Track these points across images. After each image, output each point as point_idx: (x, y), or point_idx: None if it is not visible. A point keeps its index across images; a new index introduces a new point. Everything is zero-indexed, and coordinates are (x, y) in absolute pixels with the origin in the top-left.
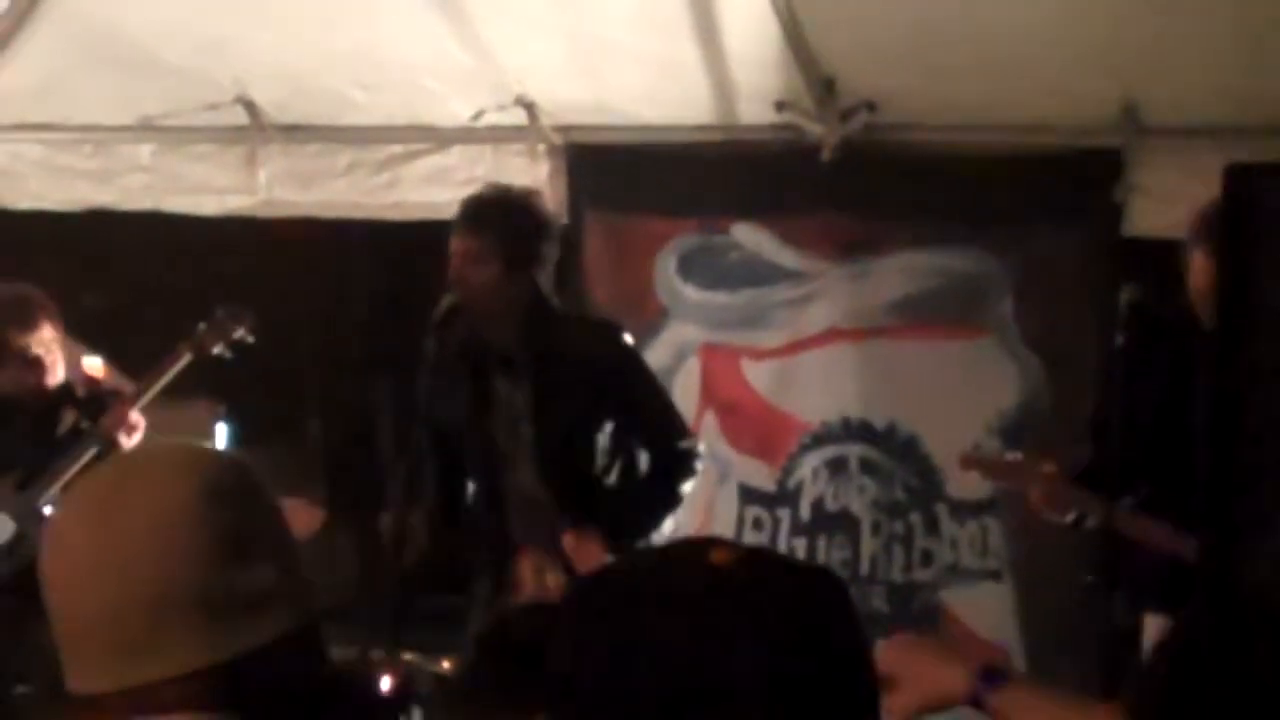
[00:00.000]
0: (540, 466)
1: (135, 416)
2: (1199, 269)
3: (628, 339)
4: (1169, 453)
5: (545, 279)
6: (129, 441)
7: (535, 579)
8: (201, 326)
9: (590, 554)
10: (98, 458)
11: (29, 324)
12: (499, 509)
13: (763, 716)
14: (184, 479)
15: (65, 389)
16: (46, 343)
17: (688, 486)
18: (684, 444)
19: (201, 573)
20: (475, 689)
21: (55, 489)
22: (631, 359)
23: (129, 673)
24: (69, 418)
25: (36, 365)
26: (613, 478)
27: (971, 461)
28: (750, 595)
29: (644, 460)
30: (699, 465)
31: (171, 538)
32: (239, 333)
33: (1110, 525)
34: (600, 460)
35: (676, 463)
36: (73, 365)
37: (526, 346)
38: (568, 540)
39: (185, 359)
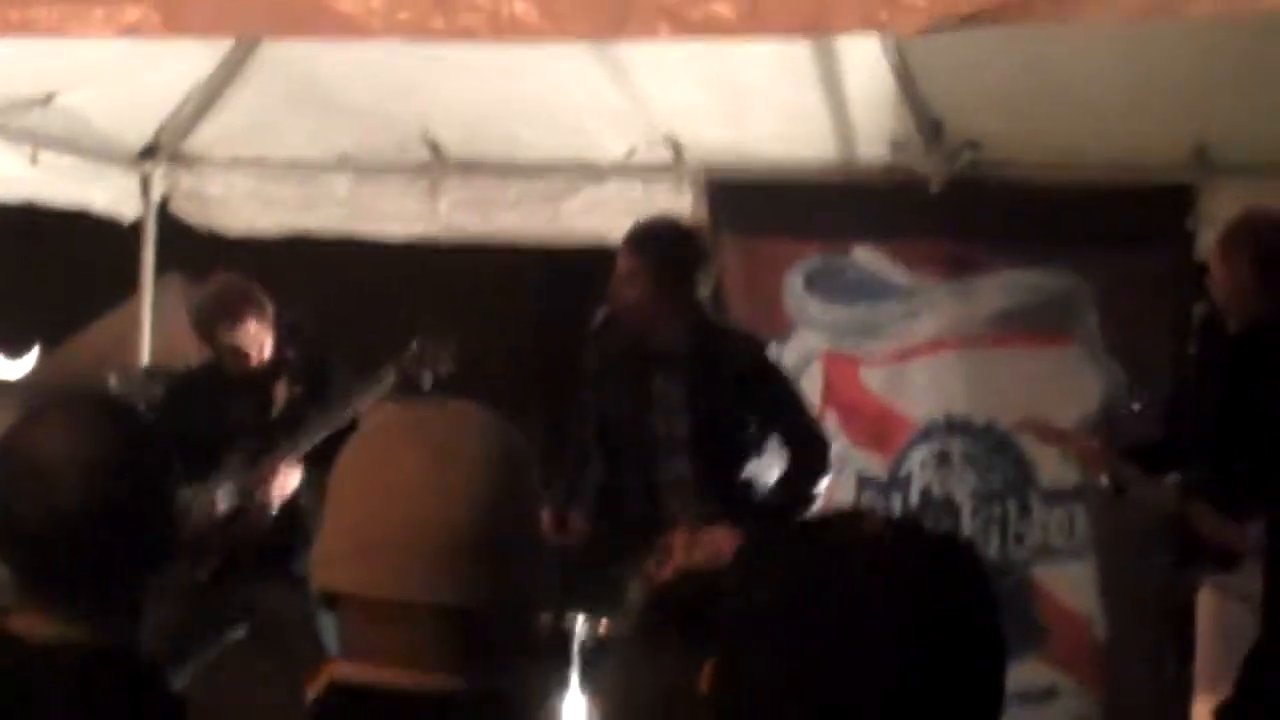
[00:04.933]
0: (692, 456)
1: (285, 473)
2: (1214, 273)
3: (771, 351)
4: (1220, 445)
5: (703, 297)
6: (280, 495)
7: (685, 553)
8: (411, 349)
9: (723, 543)
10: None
11: (236, 319)
12: (654, 494)
13: (909, 667)
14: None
15: (277, 364)
16: (251, 334)
17: (824, 483)
18: (819, 446)
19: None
20: (644, 644)
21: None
22: (776, 368)
23: (473, 592)
24: (283, 390)
25: (242, 354)
26: (754, 469)
27: (1026, 425)
28: (900, 561)
29: (780, 455)
30: (832, 461)
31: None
32: (443, 364)
33: (1130, 490)
34: (745, 453)
35: (816, 460)
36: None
37: (685, 351)
38: (704, 534)
39: (390, 380)
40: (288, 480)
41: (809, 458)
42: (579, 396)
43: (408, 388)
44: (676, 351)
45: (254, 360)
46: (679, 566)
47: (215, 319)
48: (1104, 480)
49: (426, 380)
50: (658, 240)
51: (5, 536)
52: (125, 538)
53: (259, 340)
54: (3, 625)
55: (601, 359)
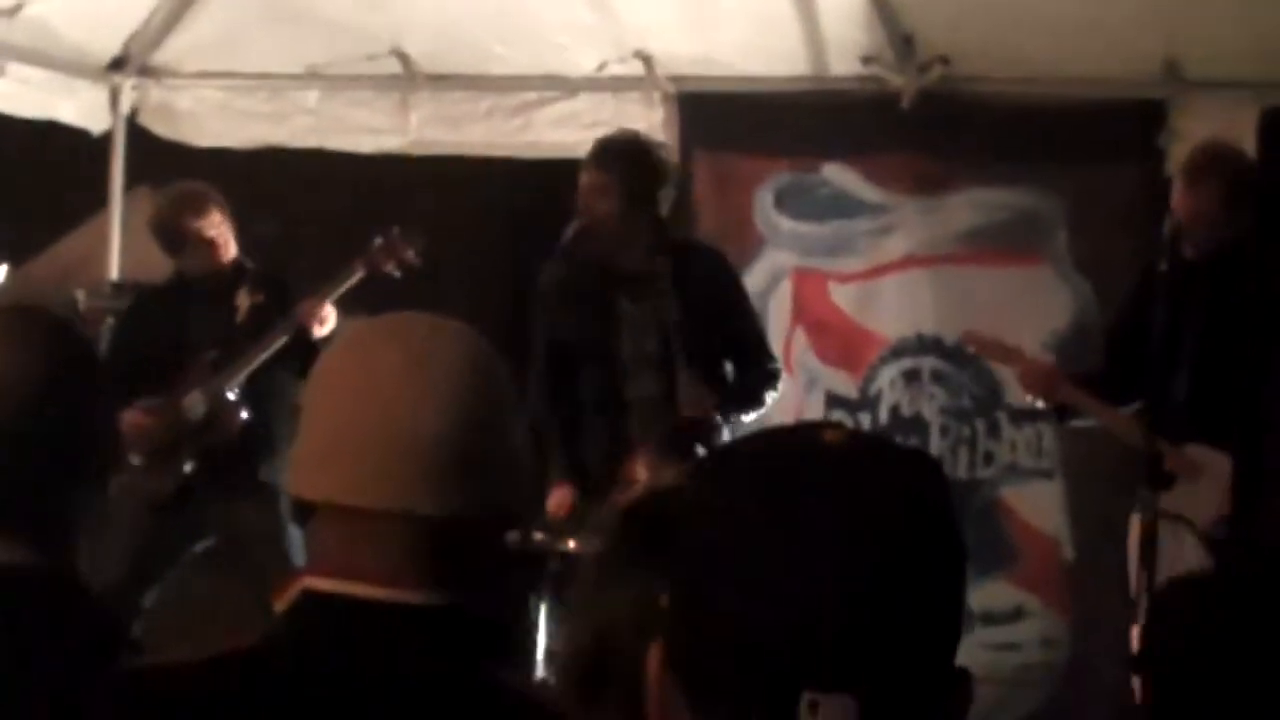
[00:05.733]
0: (660, 373)
1: (328, 308)
2: (1178, 200)
3: (731, 266)
4: (1167, 369)
5: (664, 213)
6: (321, 331)
7: (649, 473)
8: (376, 242)
9: (703, 400)
10: (289, 345)
11: (201, 210)
12: (618, 414)
13: (868, 572)
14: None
15: (238, 267)
16: (217, 225)
17: (770, 397)
18: (772, 365)
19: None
20: (609, 565)
21: (244, 374)
22: (736, 281)
23: (447, 502)
24: (245, 298)
25: (211, 245)
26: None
27: (972, 338)
28: (860, 466)
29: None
30: (780, 385)
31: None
32: (409, 254)
33: (1075, 412)
34: (711, 368)
35: (765, 377)
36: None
37: (650, 269)
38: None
39: (359, 274)
40: (327, 320)
41: (762, 376)
42: (539, 313)
43: (376, 278)
44: (641, 269)
45: (221, 254)
46: (649, 485)
47: (181, 212)
48: (1040, 402)
49: (393, 270)
50: (627, 155)
51: None
52: (58, 456)
53: (224, 234)
54: None
55: (563, 279)
